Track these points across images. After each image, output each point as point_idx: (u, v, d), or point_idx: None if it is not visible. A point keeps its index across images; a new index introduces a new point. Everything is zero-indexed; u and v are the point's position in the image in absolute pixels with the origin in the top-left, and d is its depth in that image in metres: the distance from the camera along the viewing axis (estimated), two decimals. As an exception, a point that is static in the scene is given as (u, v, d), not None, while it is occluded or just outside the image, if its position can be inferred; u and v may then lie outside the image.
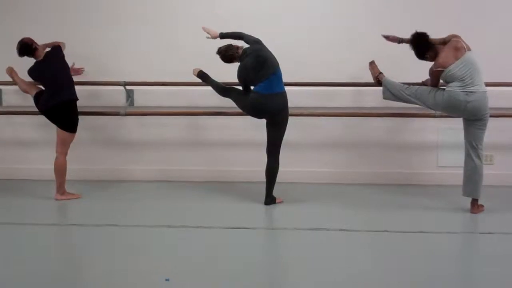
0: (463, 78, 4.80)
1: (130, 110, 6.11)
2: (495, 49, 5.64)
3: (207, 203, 5.41)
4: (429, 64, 5.08)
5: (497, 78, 5.49)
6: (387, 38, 5.34)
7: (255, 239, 4.46)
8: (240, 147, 6.18)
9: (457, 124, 5.18)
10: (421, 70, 5.29)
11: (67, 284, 3.62)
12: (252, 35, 5.19)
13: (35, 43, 5.37)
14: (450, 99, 4.87)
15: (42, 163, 5.99)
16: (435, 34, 4.98)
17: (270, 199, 5.27)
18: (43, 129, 6.04)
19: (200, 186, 5.96)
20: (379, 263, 3.92)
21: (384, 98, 5.31)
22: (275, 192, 5.30)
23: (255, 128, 5.69)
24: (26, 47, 5.32)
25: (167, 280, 3.54)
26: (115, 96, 6.14)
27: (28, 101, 5.72)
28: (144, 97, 6.16)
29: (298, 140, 6.01)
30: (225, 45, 5.19)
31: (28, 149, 6.34)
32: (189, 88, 6.00)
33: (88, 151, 6.23)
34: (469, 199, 5.02)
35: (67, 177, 5.52)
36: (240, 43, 5.22)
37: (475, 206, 5.00)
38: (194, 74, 5.44)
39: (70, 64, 5.66)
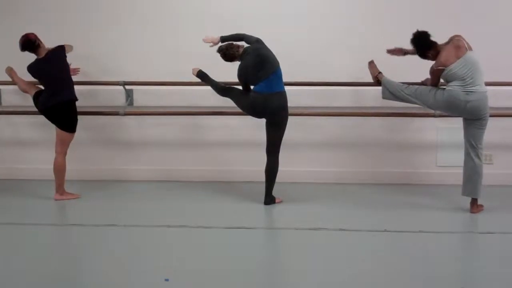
0: (464, 78, 4.80)
1: (130, 110, 6.10)
2: (495, 48, 5.63)
3: (207, 203, 5.41)
4: (428, 64, 5.08)
5: (497, 78, 5.49)
6: (392, 52, 5.34)
7: (254, 239, 4.46)
8: (239, 147, 6.18)
9: (457, 123, 5.19)
10: (420, 70, 5.29)
11: (67, 284, 3.62)
12: (253, 35, 5.18)
13: (39, 40, 5.36)
14: (450, 99, 4.87)
15: (41, 163, 5.98)
16: (435, 34, 4.97)
17: (269, 199, 5.27)
18: (42, 129, 6.04)
19: (199, 186, 5.96)
20: (378, 262, 3.92)
21: (384, 98, 5.31)
22: (275, 192, 5.30)
23: (255, 128, 5.69)
24: (29, 43, 5.31)
25: (167, 280, 3.54)
26: (115, 96, 6.14)
27: (28, 101, 5.72)
28: (143, 97, 6.16)
29: (298, 140, 6.01)
30: (226, 44, 5.18)
31: (28, 149, 6.34)
32: (188, 88, 5.99)
33: (87, 151, 6.23)
34: (469, 199, 5.02)
35: (67, 177, 5.52)
36: (241, 43, 5.22)
37: (475, 205, 5.00)
38: (194, 74, 5.44)
39: (68, 64, 5.67)
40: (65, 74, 5.44)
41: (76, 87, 5.53)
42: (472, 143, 4.92)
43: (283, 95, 5.14)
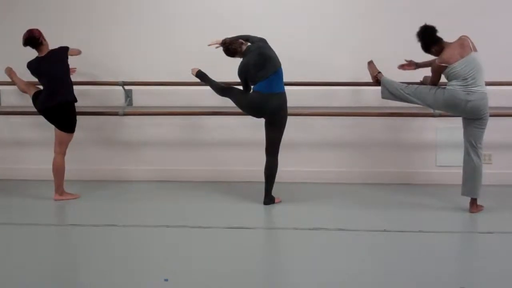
0: (466, 78, 4.79)
1: (129, 110, 6.10)
2: (495, 48, 5.63)
3: (206, 203, 5.41)
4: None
5: (496, 77, 5.49)
6: (403, 67, 5.35)
7: (254, 239, 4.45)
8: (239, 147, 6.18)
9: (456, 123, 5.19)
10: (420, 69, 5.30)
11: (67, 284, 3.62)
12: (257, 36, 5.19)
13: (43, 38, 5.35)
14: (450, 98, 4.87)
15: (40, 163, 5.97)
16: (434, 34, 4.98)
17: (269, 199, 5.27)
18: (41, 129, 6.03)
19: (199, 186, 5.95)
20: (378, 262, 3.92)
21: (383, 97, 5.30)
22: (275, 192, 5.30)
23: (255, 128, 5.69)
24: (32, 39, 5.30)
25: (166, 280, 3.54)
26: (114, 96, 6.14)
27: (27, 101, 5.72)
28: (142, 97, 6.15)
29: (298, 140, 6.01)
30: (231, 38, 5.17)
31: (27, 149, 6.34)
32: (188, 88, 5.99)
33: (86, 151, 6.23)
34: (468, 199, 5.02)
35: (66, 177, 5.52)
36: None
37: (474, 205, 5.00)
38: (193, 74, 5.44)
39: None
40: (65, 75, 5.42)
41: (75, 87, 5.53)
42: (472, 143, 4.91)
43: (282, 96, 5.14)
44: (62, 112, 5.37)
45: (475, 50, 4.84)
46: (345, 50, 5.93)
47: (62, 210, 5.31)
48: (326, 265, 3.83)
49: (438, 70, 4.94)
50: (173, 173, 6.22)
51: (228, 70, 5.29)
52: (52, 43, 5.44)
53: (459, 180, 5.06)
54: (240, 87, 5.27)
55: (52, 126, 5.46)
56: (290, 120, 5.24)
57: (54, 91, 5.34)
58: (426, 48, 4.97)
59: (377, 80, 5.35)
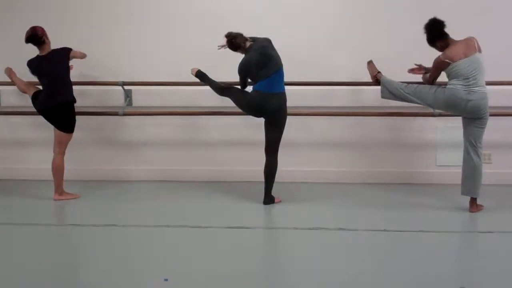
0: (468, 77, 4.79)
1: (129, 110, 6.10)
2: (495, 48, 5.62)
3: (206, 203, 5.41)
4: (428, 63, 5.08)
5: (496, 77, 5.48)
6: (414, 71, 5.33)
7: (254, 238, 4.45)
8: (239, 147, 6.18)
9: (456, 123, 5.18)
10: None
11: (67, 284, 3.62)
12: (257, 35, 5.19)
13: (46, 36, 5.34)
14: (451, 97, 4.86)
15: (40, 163, 5.96)
16: (434, 33, 4.98)
17: (269, 199, 5.27)
18: (41, 129, 6.02)
19: (199, 186, 5.95)
20: (378, 262, 3.92)
21: (383, 97, 5.30)
22: (275, 192, 5.30)
23: (255, 128, 5.69)
24: (35, 37, 5.29)
25: (166, 280, 3.54)
26: (114, 96, 6.14)
27: (26, 102, 5.71)
28: (142, 97, 6.15)
29: (298, 140, 6.01)
30: (236, 32, 5.15)
31: (27, 149, 6.34)
32: (188, 88, 5.99)
33: (86, 151, 6.23)
34: (468, 198, 5.02)
35: (66, 177, 5.51)
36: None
37: (474, 205, 4.99)
38: (192, 74, 5.44)
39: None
40: (65, 76, 5.42)
41: (75, 87, 5.53)
42: (472, 142, 4.91)
43: (282, 96, 5.14)
44: (62, 112, 5.37)
45: (480, 51, 4.83)
46: (345, 50, 5.93)
47: (62, 210, 5.31)
48: (326, 265, 3.83)
49: (439, 66, 4.93)
50: (173, 173, 6.22)
51: (228, 70, 5.29)
52: (52, 43, 5.43)
53: (459, 179, 5.05)
54: (240, 86, 5.26)
55: (52, 126, 5.46)
56: (290, 120, 5.25)
57: (54, 91, 5.34)
58: (432, 41, 4.96)
59: (376, 80, 5.35)
